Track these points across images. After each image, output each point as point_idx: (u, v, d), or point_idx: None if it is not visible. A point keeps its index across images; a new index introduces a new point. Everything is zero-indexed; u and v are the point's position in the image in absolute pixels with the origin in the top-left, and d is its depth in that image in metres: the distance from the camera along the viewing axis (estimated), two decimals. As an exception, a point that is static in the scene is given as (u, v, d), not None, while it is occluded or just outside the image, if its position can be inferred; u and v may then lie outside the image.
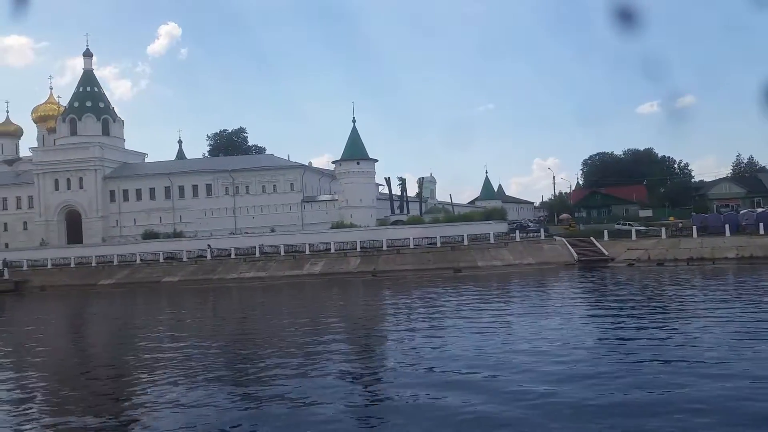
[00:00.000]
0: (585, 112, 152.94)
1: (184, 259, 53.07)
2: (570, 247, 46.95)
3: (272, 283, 46.30)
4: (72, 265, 54.59)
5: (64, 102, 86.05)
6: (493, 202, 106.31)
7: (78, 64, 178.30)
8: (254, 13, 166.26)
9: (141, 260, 53.85)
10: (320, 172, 78.79)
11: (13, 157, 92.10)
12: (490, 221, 56.89)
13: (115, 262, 53.78)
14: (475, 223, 54.46)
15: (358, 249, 49.96)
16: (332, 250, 50.32)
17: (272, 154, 78.86)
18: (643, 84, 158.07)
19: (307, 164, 76.63)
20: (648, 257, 43.04)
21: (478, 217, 57.12)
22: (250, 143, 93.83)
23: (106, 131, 76.69)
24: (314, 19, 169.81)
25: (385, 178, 74.53)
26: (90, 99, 76.58)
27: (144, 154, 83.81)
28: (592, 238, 48.38)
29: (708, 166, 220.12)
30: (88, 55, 78.50)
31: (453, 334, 18.71)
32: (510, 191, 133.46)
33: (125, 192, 74.06)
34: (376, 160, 71.20)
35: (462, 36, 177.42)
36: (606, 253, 44.94)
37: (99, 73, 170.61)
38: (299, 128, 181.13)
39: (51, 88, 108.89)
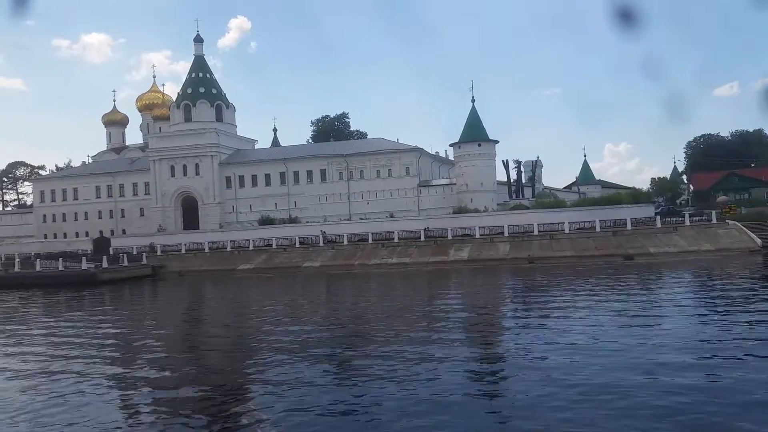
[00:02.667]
0: (659, 96, 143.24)
1: (321, 244, 51.60)
2: (749, 232, 42.18)
3: (416, 270, 43.99)
4: (206, 250, 54.31)
5: (127, 96, 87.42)
6: (591, 187, 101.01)
7: (154, 59, 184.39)
8: (321, 3, 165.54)
9: (278, 245, 52.83)
10: (432, 156, 76.04)
11: (120, 145, 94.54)
12: (639, 204, 52.51)
13: (251, 248, 53.03)
14: (625, 206, 50.22)
15: (506, 234, 46.90)
16: (477, 236, 47.50)
17: (382, 138, 76.51)
18: (722, 65, 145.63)
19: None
20: None
21: (625, 200, 52.79)
22: (352, 128, 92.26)
23: (219, 117, 76.74)
24: (381, 6, 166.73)
25: (503, 161, 70.97)
26: (203, 85, 76.73)
27: (254, 141, 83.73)
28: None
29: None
30: (198, 40, 78.67)
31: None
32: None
33: (241, 178, 73.92)
34: (497, 141, 67.76)
35: (526, 16, 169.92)
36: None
37: (173, 68, 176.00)
38: (376, 116, 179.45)
39: (154, 77, 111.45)
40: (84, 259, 47.70)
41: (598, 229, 45.32)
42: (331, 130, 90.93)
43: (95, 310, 32.31)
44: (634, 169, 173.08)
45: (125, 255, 50.93)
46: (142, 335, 21.83)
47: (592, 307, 21.70)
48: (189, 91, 76.37)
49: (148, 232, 70.68)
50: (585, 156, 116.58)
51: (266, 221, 66.68)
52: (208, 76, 77.90)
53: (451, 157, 77.11)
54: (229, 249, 53.90)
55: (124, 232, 73.89)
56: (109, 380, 14.25)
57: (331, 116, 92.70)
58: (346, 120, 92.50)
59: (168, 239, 58.64)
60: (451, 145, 68.51)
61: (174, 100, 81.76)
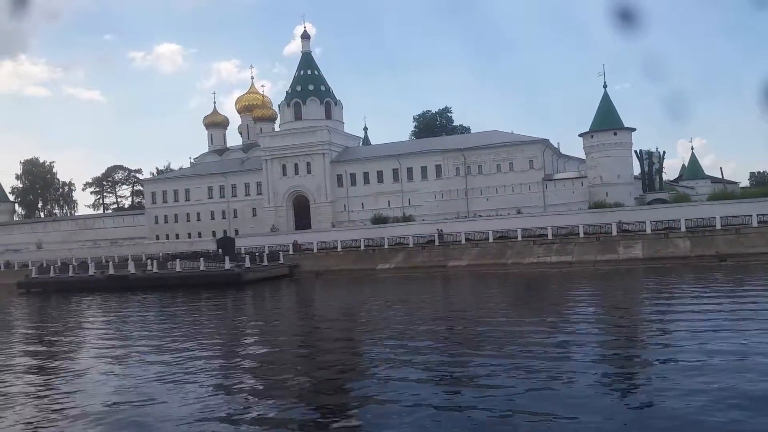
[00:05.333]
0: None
1: (463, 241, 48.40)
2: None
3: (583, 270, 40.10)
4: (339, 249, 52.15)
5: (199, 104, 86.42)
6: (701, 182, 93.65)
7: (223, 68, 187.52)
8: (386, 10, 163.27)
9: (414, 244, 50.05)
10: (553, 149, 71.56)
11: (221, 147, 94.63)
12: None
13: (386, 246, 50.50)
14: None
15: (683, 228, 42.29)
16: (648, 231, 43.07)
17: (497, 130, 72.61)
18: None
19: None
20: None
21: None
22: (455, 123, 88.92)
23: (328, 114, 75.09)
24: (445, 12, 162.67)
25: (636, 152, 65.60)
26: (312, 82, 75.24)
27: (360, 138, 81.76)
28: None
29: None
30: (305, 37, 77.34)
31: None
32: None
33: (352, 176, 71.85)
34: (634, 129, 62.73)
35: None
36: None
37: (240, 76, 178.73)
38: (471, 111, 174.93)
39: (252, 78, 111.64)
40: (227, 258, 46.32)
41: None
42: (434, 125, 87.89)
43: (280, 311, 30.33)
44: (709, 165, 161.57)
45: (264, 255, 49.31)
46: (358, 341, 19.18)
47: None
48: (298, 88, 75.03)
49: (261, 232, 69.85)
50: (693, 149, 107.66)
51: (379, 220, 64.20)
52: (316, 73, 76.39)
53: (563, 150, 72.89)
54: (362, 248, 51.47)
55: (236, 232, 73.16)
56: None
57: (433, 111, 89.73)
58: (449, 114, 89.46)
59: (305, 237, 56.69)
60: (580, 135, 63.99)
61: (279, 99, 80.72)
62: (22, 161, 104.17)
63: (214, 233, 73.38)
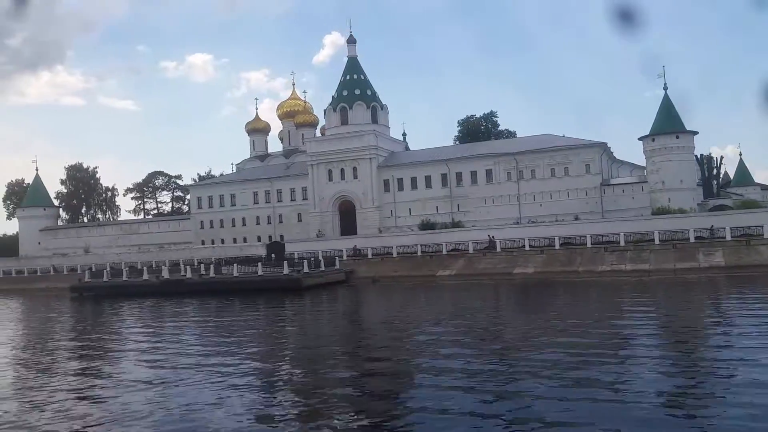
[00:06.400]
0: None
1: (528, 248, 46.63)
2: None
3: (662, 278, 38.02)
4: (395, 255, 50.83)
5: (230, 114, 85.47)
6: (750, 189, 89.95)
7: (253, 77, 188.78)
8: (415, 18, 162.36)
9: (474, 250, 48.43)
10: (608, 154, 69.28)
11: (263, 153, 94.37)
12: None
13: (444, 252, 48.98)
14: None
15: (766, 235, 39.96)
16: (727, 237, 40.81)
17: (550, 134, 70.62)
18: None
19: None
20: None
21: None
22: (501, 127, 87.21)
23: (374, 119, 74.17)
24: (475, 17, 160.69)
25: (697, 157, 63.08)
26: (358, 87, 74.46)
27: (405, 143, 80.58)
28: None
29: None
30: (351, 41, 76.65)
31: None
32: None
33: (399, 181, 70.64)
34: (696, 133, 60.29)
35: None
36: None
37: (270, 85, 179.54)
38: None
39: (293, 84, 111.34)
40: (285, 263, 45.34)
41: None
42: (478, 130, 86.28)
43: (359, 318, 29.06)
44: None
45: (321, 260, 48.20)
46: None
47: None
48: (344, 93, 74.29)
49: (306, 237, 69.05)
50: (741, 155, 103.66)
51: (427, 225, 62.83)
52: (362, 77, 75.59)
53: (616, 155, 70.60)
54: (418, 254, 50.03)
55: (281, 237, 72.34)
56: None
57: (478, 116, 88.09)
58: (494, 119, 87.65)
59: (365, 242, 55.47)
60: (639, 139, 61.68)
61: (327, 105, 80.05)
62: (66, 166, 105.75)
63: (259, 238, 72.76)
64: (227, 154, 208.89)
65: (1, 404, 14.14)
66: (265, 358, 18.87)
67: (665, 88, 60.87)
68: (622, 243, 43.37)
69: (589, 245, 44.43)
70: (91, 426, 11.84)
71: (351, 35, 76.45)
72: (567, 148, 64.47)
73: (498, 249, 47.52)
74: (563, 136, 69.07)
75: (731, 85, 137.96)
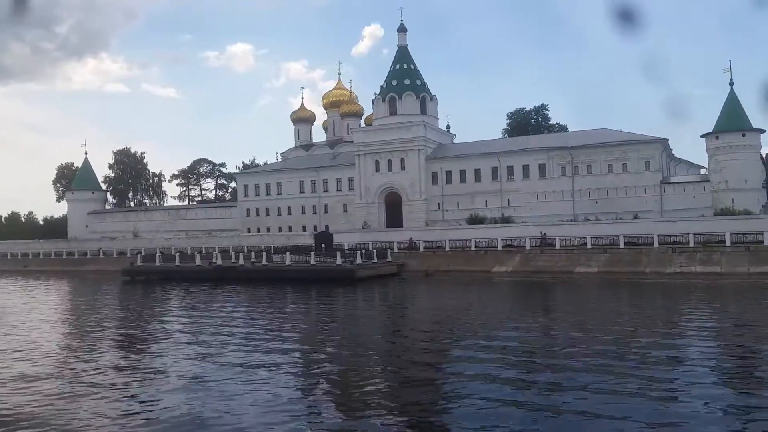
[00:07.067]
0: None
1: (589, 246, 44.90)
2: None
3: (737, 282, 35.96)
4: (447, 249, 49.73)
5: (268, 103, 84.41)
6: None
7: (292, 68, 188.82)
8: (455, 11, 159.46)
9: (531, 246, 46.99)
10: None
11: (307, 142, 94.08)
12: None
13: (499, 247, 47.66)
14: None
15: None
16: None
17: (607, 128, 68.21)
18: None
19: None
20: None
21: None
22: (552, 121, 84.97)
23: (423, 110, 72.92)
24: (519, 10, 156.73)
25: (762, 156, 59.98)
26: (408, 77, 73.29)
27: (453, 135, 79.21)
28: None
29: None
30: (402, 30, 75.42)
31: None
32: None
33: (448, 173, 69.35)
34: (763, 131, 57.30)
35: None
36: None
37: (310, 76, 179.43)
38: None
39: (339, 74, 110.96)
40: (339, 254, 44.76)
41: None
42: (528, 123, 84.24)
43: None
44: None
45: (374, 252, 47.46)
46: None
47: None
48: (394, 83, 73.22)
49: (351, 228, 68.43)
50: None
51: (475, 220, 61.47)
52: (412, 67, 74.37)
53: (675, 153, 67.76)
54: (472, 249, 48.83)
55: (326, 227, 71.98)
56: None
57: (528, 108, 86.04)
58: (546, 112, 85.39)
59: (418, 235, 54.58)
60: (702, 136, 59.03)
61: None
62: (114, 151, 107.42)
63: (304, 228, 72.60)
64: (268, 143, 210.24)
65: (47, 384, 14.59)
66: (317, 353, 18.56)
67: (731, 84, 58.07)
68: (691, 244, 41.36)
69: (655, 245, 42.50)
70: (132, 414, 12.01)
71: (402, 24, 75.21)
72: (626, 143, 62.14)
73: (557, 246, 45.89)
74: (620, 131, 66.66)
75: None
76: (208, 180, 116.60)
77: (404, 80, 72.94)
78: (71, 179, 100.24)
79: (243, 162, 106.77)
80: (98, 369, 16.53)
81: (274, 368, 15.80)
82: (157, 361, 17.63)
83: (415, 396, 13.22)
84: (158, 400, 12.99)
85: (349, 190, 73.86)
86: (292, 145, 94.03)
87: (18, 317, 29.22)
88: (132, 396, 13.46)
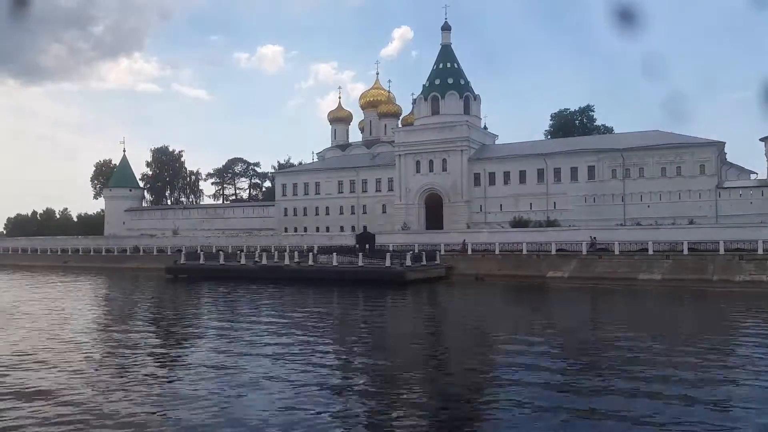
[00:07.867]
0: None
1: (651, 251, 42.72)
2: None
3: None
4: (496, 252, 48.09)
5: (297, 105, 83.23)
6: None
7: (321, 69, 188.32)
8: (484, 12, 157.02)
9: (588, 251, 45.02)
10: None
11: (344, 142, 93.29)
12: None
13: (553, 252, 45.85)
14: None
15: None
16: None
17: (658, 131, 65.67)
18: None
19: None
20: None
21: None
22: (597, 122, 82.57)
23: (467, 110, 71.45)
24: (548, 10, 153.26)
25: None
26: (451, 76, 71.84)
27: (496, 135, 77.47)
28: None
29: None
30: (446, 28, 74.00)
31: None
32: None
33: (491, 175, 67.63)
34: (831, 134, 54.42)
35: None
36: None
37: (339, 77, 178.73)
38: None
39: (377, 74, 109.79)
40: (388, 255, 43.52)
41: None
42: (572, 124, 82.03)
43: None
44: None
45: (423, 254, 46.10)
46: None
47: None
48: (437, 82, 71.83)
49: (391, 230, 67.08)
50: None
51: (520, 223, 59.59)
52: (455, 66, 72.89)
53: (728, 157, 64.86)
54: (524, 252, 47.08)
55: (365, 228, 70.71)
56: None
57: (572, 109, 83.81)
58: (590, 113, 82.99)
59: (448, 238, 53.26)
60: (761, 140, 56.37)
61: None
62: (152, 149, 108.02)
63: (342, 228, 71.66)
64: (299, 144, 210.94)
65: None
66: (388, 360, 17.70)
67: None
68: (761, 251, 39.05)
69: (721, 252, 40.28)
70: (166, 409, 12.07)
71: (446, 22, 73.78)
72: (680, 146, 59.72)
73: (616, 251, 43.87)
74: (672, 133, 64.12)
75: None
76: (242, 179, 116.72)
77: (447, 79, 71.50)
78: (108, 176, 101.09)
79: (278, 161, 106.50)
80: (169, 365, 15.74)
81: (341, 372, 15.56)
82: (230, 360, 16.69)
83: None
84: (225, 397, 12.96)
85: (389, 190, 72.66)
86: (327, 145, 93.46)
87: (82, 314, 28.85)
88: (174, 389, 13.75)
